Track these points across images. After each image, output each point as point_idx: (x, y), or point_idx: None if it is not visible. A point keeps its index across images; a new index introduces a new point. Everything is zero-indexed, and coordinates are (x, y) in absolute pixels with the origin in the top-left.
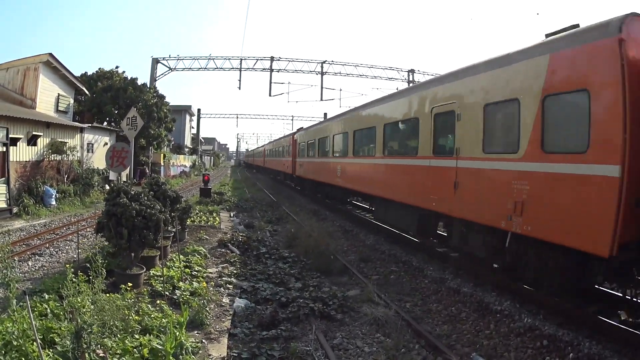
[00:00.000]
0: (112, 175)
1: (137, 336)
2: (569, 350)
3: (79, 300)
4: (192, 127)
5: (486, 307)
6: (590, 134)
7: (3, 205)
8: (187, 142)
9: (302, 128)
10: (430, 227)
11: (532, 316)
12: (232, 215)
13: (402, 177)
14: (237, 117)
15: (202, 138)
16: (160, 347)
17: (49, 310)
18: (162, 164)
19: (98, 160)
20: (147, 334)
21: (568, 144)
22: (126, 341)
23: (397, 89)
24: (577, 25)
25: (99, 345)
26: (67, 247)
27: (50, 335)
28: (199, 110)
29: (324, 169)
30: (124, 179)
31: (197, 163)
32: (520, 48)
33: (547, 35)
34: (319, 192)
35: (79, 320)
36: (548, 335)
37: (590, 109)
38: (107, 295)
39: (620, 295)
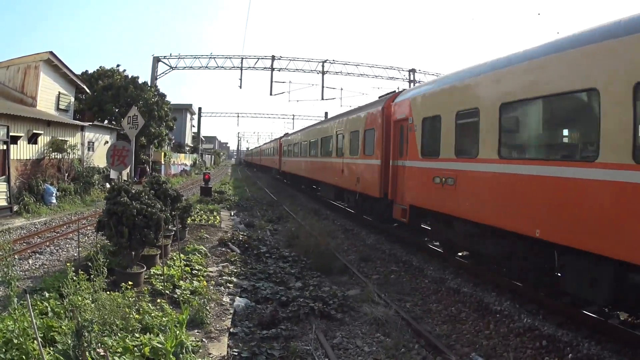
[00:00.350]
0: (113, 174)
1: (137, 335)
2: (568, 350)
3: (80, 298)
4: (193, 126)
5: (486, 307)
6: (375, 146)
7: (3, 203)
8: (188, 140)
9: (286, 134)
10: (340, 196)
11: (532, 316)
12: (232, 214)
13: (330, 171)
14: (238, 116)
15: (203, 137)
16: (160, 345)
17: (49, 309)
18: (162, 162)
19: (98, 159)
20: (148, 333)
21: (368, 151)
22: (127, 340)
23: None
24: (384, 95)
25: (99, 344)
26: (67, 246)
27: (51, 334)
28: (199, 108)
29: (297, 166)
30: (125, 177)
31: (197, 162)
32: (363, 104)
33: (380, 97)
34: (297, 182)
35: (80, 319)
36: (547, 335)
37: (375, 136)
38: (108, 293)
39: None
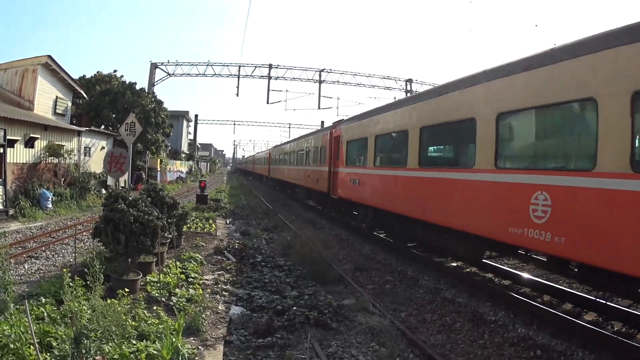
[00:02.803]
0: (110, 181)
1: (134, 341)
2: (562, 359)
3: (77, 305)
4: (189, 133)
5: (480, 317)
6: (325, 158)
7: None
8: (184, 147)
9: (276, 145)
10: (309, 195)
11: (526, 326)
12: (228, 222)
13: (302, 176)
14: (234, 124)
15: (199, 144)
16: (157, 352)
17: (45, 314)
18: (158, 169)
19: (95, 164)
20: (144, 340)
21: (322, 161)
22: (123, 346)
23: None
24: (336, 121)
25: (97, 351)
26: (63, 251)
27: (47, 339)
28: (196, 116)
29: (281, 173)
30: (122, 184)
31: (193, 169)
32: (322, 127)
33: (333, 122)
34: (282, 186)
35: (79, 326)
36: (541, 345)
37: (326, 151)
38: (107, 301)
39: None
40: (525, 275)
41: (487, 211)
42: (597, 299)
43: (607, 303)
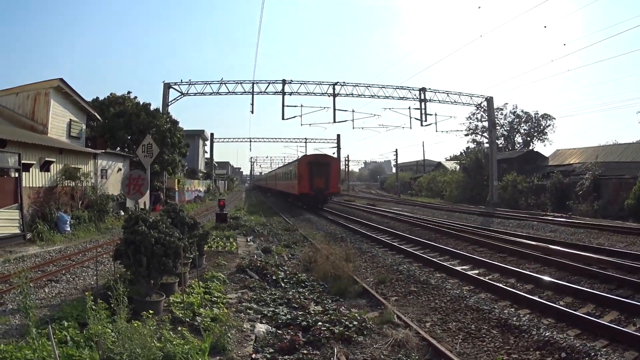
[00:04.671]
0: (130, 203)
1: None
2: None
3: (100, 328)
4: (206, 152)
5: (505, 323)
6: (295, 177)
7: (16, 231)
8: (201, 166)
9: (278, 167)
10: (288, 196)
11: (550, 329)
12: (249, 240)
13: (288, 186)
14: (250, 141)
15: (216, 162)
16: None
17: (68, 338)
18: (176, 189)
19: (112, 186)
20: None
21: (293, 179)
22: None
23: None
24: (304, 155)
25: None
26: (83, 274)
27: None
28: (212, 134)
29: (281, 185)
30: (142, 206)
31: (211, 188)
32: (289, 162)
33: (297, 159)
34: (282, 196)
35: (104, 349)
36: (566, 347)
37: (296, 173)
38: (132, 324)
39: None
40: (547, 278)
41: (285, 187)
42: (619, 298)
43: (628, 300)
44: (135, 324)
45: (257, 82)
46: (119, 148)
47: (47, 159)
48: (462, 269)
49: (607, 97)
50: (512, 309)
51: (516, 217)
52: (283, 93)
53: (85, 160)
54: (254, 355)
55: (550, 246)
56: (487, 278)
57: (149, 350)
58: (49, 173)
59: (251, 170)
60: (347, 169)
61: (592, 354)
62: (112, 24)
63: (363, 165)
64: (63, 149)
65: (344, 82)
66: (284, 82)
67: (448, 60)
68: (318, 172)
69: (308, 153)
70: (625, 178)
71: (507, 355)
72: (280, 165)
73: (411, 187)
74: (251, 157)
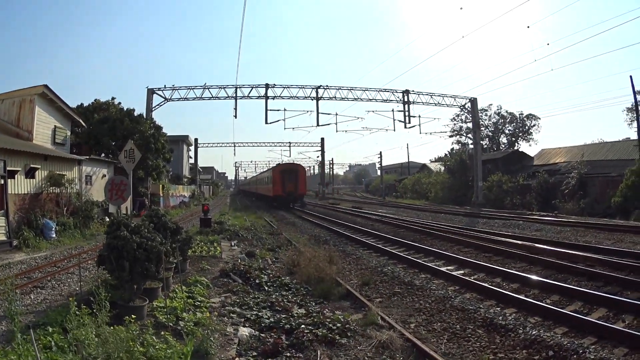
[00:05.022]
0: (112, 208)
1: None
2: (574, 358)
3: (83, 332)
4: (190, 157)
5: (491, 322)
6: (271, 182)
7: (3, 238)
8: (186, 172)
9: (259, 173)
10: (263, 198)
11: (537, 328)
12: (233, 244)
13: (264, 189)
14: (234, 146)
15: (201, 167)
16: None
17: (53, 343)
18: (161, 194)
19: (97, 192)
20: None
21: (269, 183)
22: None
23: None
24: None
25: None
26: (69, 280)
27: None
28: (196, 140)
29: (259, 189)
30: (124, 211)
31: (196, 193)
32: (266, 169)
33: (271, 167)
34: (262, 198)
35: (84, 353)
36: (554, 345)
37: (271, 178)
38: (112, 327)
39: None
40: (533, 276)
41: (263, 190)
42: (607, 295)
43: (617, 297)
44: (117, 328)
45: (240, 87)
46: (103, 154)
47: (32, 165)
48: (447, 269)
49: (592, 95)
50: (498, 309)
51: (502, 217)
52: (266, 97)
53: (69, 166)
54: (237, 359)
55: (536, 245)
56: (472, 278)
57: (131, 354)
58: (34, 180)
59: (236, 175)
60: (331, 172)
61: (581, 351)
62: (97, 30)
63: (348, 169)
64: (48, 156)
65: (327, 86)
66: (267, 86)
67: (432, 62)
68: (289, 177)
69: (292, 157)
70: (611, 176)
71: (493, 355)
72: (260, 172)
73: (396, 189)
74: (235, 162)
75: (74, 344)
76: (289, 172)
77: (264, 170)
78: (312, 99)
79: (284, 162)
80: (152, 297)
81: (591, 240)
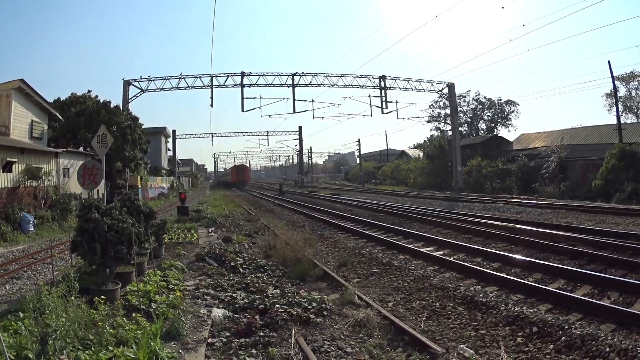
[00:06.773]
0: (85, 194)
1: (111, 348)
2: (560, 334)
3: (53, 317)
4: (169, 149)
5: (471, 300)
6: (235, 174)
7: None
8: (164, 164)
9: (234, 165)
10: (231, 185)
11: (520, 304)
12: (210, 231)
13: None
14: (212, 136)
15: (180, 160)
16: (133, 357)
17: (23, 328)
18: (139, 186)
19: (74, 185)
20: (122, 346)
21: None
22: (100, 354)
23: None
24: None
25: (64, 351)
26: (45, 270)
27: (24, 352)
28: (174, 131)
29: (231, 178)
30: (96, 196)
31: (175, 184)
32: (230, 167)
33: (235, 165)
34: (225, 184)
35: (42, 326)
36: (538, 321)
37: (235, 172)
38: (85, 310)
39: None
40: (515, 255)
41: (228, 179)
42: (592, 272)
43: (601, 274)
44: (84, 309)
45: (216, 76)
46: (81, 148)
47: (8, 159)
48: (426, 250)
49: (570, 78)
50: (479, 287)
51: (482, 201)
52: (242, 85)
53: (47, 159)
54: (209, 340)
55: (517, 226)
56: (452, 258)
57: (101, 335)
58: (11, 174)
59: (215, 167)
60: (310, 161)
61: (566, 327)
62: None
63: (327, 158)
64: (25, 149)
65: (302, 73)
66: (242, 74)
67: (408, 45)
68: (240, 171)
69: (270, 145)
70: (592, 160)
71: (474, 332)
72: (227, 169)
73: (375, 176)
74: (214, 153)
75: (41, 326)
76: (240, 168)
77: (230, 167)
78: (288, 86)
79: (237, 164)
80: (125, 282)
81: (573, 221)
